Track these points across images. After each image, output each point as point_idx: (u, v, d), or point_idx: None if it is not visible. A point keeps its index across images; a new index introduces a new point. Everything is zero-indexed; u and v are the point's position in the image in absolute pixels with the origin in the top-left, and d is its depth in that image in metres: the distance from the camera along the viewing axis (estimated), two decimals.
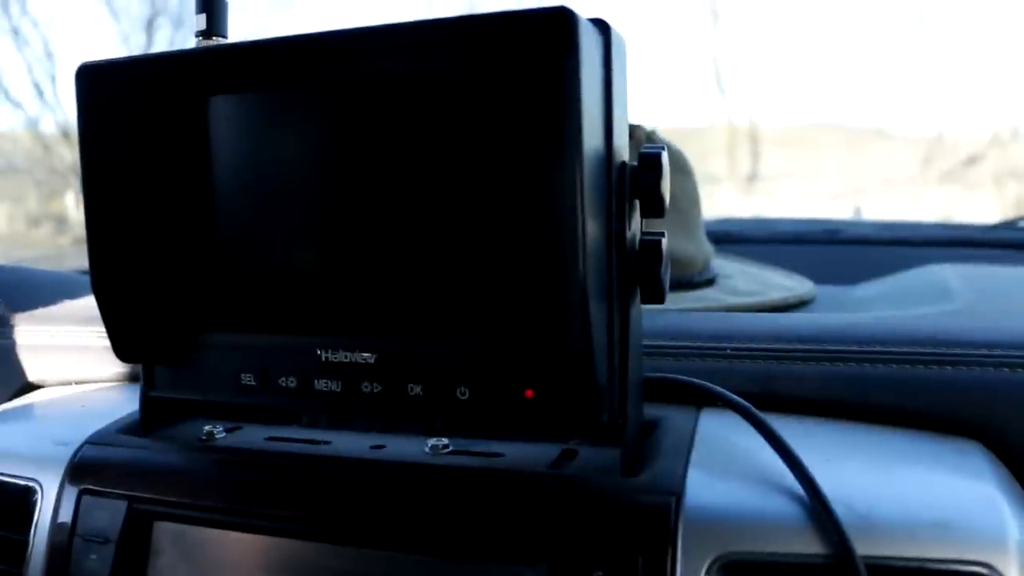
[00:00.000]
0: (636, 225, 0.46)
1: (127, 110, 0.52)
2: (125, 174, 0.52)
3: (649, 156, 0.46)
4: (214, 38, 0.55)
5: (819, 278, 0.97)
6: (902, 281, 0.87)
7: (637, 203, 0.46)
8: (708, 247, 0.88)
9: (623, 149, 0.46)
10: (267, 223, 0.52)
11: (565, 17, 0.41)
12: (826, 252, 1.11)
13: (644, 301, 0.47)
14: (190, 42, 0.55)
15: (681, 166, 0.86)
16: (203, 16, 0.55)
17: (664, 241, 0.46)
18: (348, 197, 0.49)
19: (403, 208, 0.48)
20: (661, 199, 0.46)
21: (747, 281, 0.86)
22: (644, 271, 0.46)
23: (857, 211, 1.65)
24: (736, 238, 1.15)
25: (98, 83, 0.51)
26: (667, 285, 0.47)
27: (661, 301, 0.46)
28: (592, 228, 0.42)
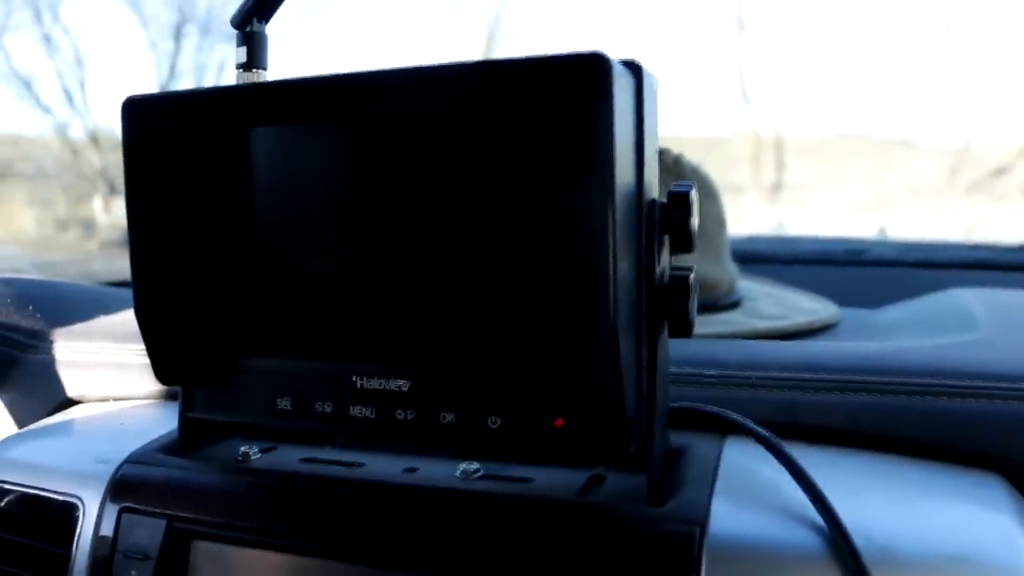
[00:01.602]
0: (665, 260, 0.48)
1: (170, 141, 0.54)
2: (169, 202, 0.54)
3: (679, 194, 0.47)
4: (254, 71, 0.56)
5: (843, 299, 0.98)
6: (925, 306, 0.88)
7: (667, 239, 0.48)
8: (734, 270, 0.89)
9: (653, 186, 0.47)
10: (306, 252, 0.53)
11: (599, 62, 0.42)
12: (850, 273, 1.12)
13: (672, 335, 0.48)
14: (217, 48, 0.57)
15: (708, 191, 0.87)
16: (243, 50, 0.56)
17: (692, 276, 0.48)
18: (384, 228, 0.51)
19: (438, 240, 0.49)
20: (690, 235, 0.47)
21: (771, 304, 0.87)
22: (672, 305, 0.47)
23: (882, 230, 1.64)
24: (760, 257, 1.15)
25: (143, 116, 0.52)
26: (695, 318, 0.48)
27: (688, 335, 0.48)
28: (622, 264, 0.43)
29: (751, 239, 1.25)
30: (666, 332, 0.48)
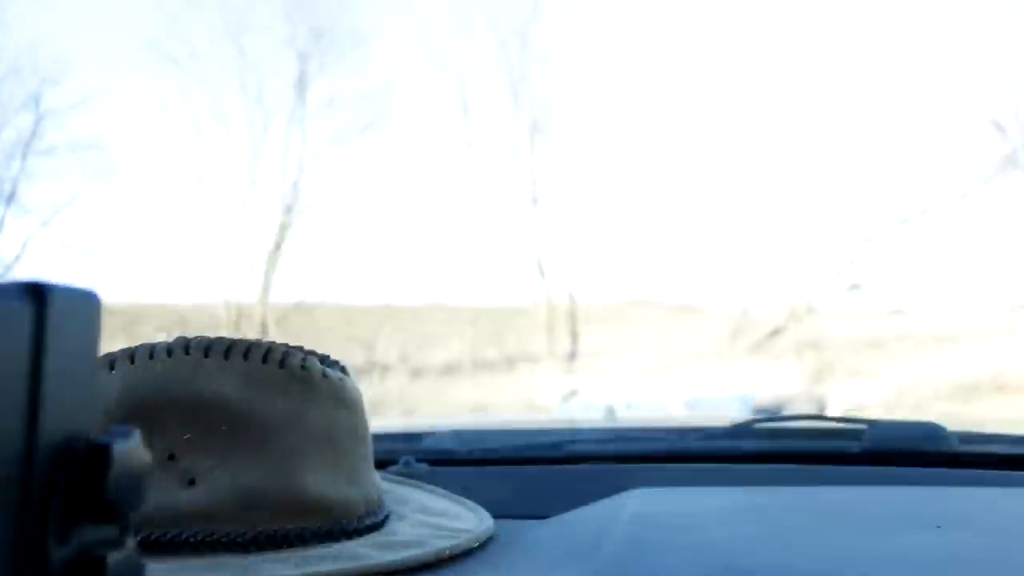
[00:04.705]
0: (76, 533, 0.36)
1: None
2: None
3: (96, 449, 0.36)
4: None
5: (536, 502, 0.90)
6: (585, 517, 0.80)
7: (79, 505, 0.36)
8: (375, 486, 0.78)
9: (62, 436, 0.36)
10: None
11: None
12: (547, 471, 1.04)
13: None
14: None
15: (342, 398, 0.76)
16: None
17: (113, 556, 0.36)
18: None
19: None
20: (106, 499, 0.36)
21: (416, 524, 0.76)
22: None
23: (610, 411, 1.59)
24: (452, 459, 1.06)
25: None
26: None
27: None
28: None
29: (443, 435, 1.16)
30: None
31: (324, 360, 0.80)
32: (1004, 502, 0.80)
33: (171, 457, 0.70)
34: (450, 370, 12.03)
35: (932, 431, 1.00)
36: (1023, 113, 11.57)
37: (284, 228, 12.76)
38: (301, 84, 12.99)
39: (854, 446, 1.01)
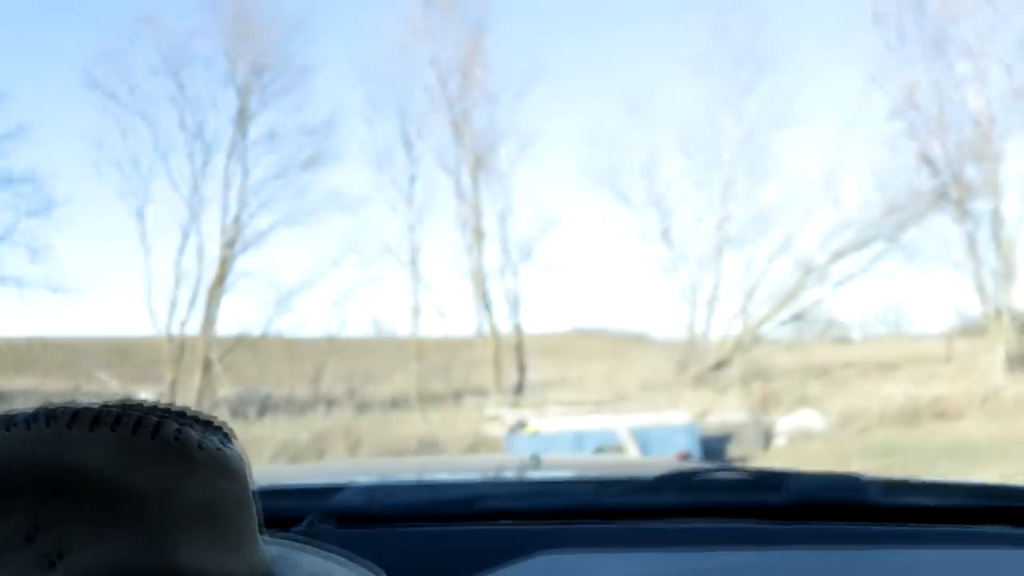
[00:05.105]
0: None
1: None
2: None
3: None
4: None
5: (443, 566, 0.85)
6: None
7: None
8: (261, 558, 0.73)
9: None
10: None
11: None
12: (455, 531, 0.99)
13: None
14: None
15: (221, 467, 0.71)
16: None
17: None
18: None
19: None
20: None
21: None
22: None
23: (535, 460, 1.53)
24: (362, 516, 1.01)
25: None
26: None
27: None
28: None
29: (349, 492, 1.10)
30: None
31: (207, 426, 0.75)
32: (925, 563, 0.78)
33: (30, 537, 0.64)
34: (397, 404, 11.86)
35: (852, 483, 0.97)
36: (950, 150, 11.94)
37: (226, 262, 12.59)
38: (242, 119, 12.92)
39: (776, 499, 0.98)
